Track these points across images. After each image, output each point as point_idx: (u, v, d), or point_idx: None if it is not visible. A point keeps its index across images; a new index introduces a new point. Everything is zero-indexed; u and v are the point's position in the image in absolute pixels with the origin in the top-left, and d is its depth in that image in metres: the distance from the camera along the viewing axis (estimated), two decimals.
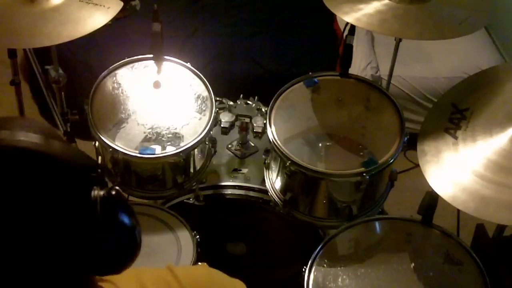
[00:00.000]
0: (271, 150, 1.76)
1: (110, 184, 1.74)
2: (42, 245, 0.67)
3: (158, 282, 0.86)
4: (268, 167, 1.81)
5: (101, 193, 0.71)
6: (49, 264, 0.68)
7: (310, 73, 1.85)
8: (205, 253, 1.70)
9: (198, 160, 1.80)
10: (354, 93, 1.82)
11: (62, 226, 0.68)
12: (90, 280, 0.76)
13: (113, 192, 0.73)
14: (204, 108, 1.77)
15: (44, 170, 0.67)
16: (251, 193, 1.87)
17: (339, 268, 1.58)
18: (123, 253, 0.74)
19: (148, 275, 0.87)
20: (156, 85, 1.83)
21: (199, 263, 1.64)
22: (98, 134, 1.69)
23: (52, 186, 0.67)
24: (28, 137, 0.68)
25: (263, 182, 1.83)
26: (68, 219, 0.68)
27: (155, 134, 1.72)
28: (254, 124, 1.97)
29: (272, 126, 1.72)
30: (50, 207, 0.67)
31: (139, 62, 1.87)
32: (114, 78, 1.82)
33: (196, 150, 1.74)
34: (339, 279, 1.55)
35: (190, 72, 1.85)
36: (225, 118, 1.97)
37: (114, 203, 0.72)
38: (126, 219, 0.73)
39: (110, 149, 1.67)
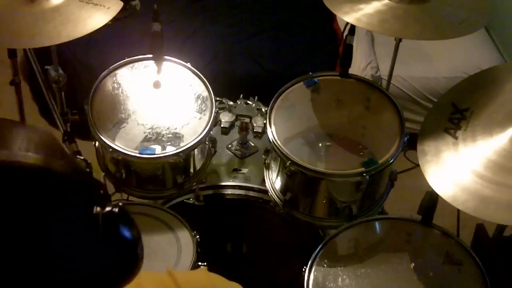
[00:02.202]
0: (271, 150, 1.75)
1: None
2: (43, 262, 0.66)
3: (158, 286, 0.86)
4: (268, 167, 1.81)
5: (104, 210, 0.71)
6: (50, 280, 0.68)
7: (310, 73, 1.85)
8: (205, 253, 1.70)
9: (198, 160, 1.80)
10: (354, 93, 1.82)
11: (63, 244, 0.67)
12: None
13: (116, 210, 0.72)
14: (204, 108, 1.77)
15: (44, 191, 0.66)
16: (251, 193, 1.87)
17: (339, 268, 1.58)
18: (124, 270, 0.74)
19: (148, 280, 0.86)
20: (156, 85, 1.83)
21: (199, 264, 1.65)
22: (98, 134, 1.69)
23: (53, 206, 0.67)
24: (27, 158, 0.67)
25: (263, 182, 1.83)
26: (69, 237, 0.68)
27: (155, 134, 1.72)
28: (254, 124, 1.97)
29: (272, 126, 1.72)
30: (51, 226, 0.66)
31: (139, 62, 1.86)
32: (114, 78, 1.82)
33: (196, 150, 1.74)
34: (339, 279, 1.55)
35: (190, 72, 1.85)
36: (225, 118, 1.97)
37: (117, 220, 0.72)
38: (128, 236, 0.73)
39: (110, 149, 1.67)
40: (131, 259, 0.74)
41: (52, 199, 0.67)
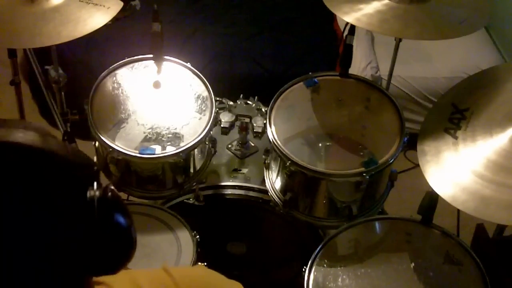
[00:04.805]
0: (271, 150, 1.75)
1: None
2: (38, 245, 0.66)
3: (153, 283, 0.86)
4: (268, 167, 1.81)
5: (97, 193, 0.71)
6: (44, 264, 0.68)
7: (310, 73, 1.85)
8: (205, 253, 1.70)
9: (198, 160, 1.80)
10: (354, 93, 1.82)
11: (58, 225, 0.67)
12: (86, 282, 0.75)
13: (109, 192, 0.72)
14: (204, 108, 1.77)
15: (41, 166, 0.67)
16: (251, 193, 1.87)
17: (339, 268, 1.58)
18: (119, 253, 0.74)
19: (144, 276, 0.86)
20: (156, 85, 1.84)
21: (199, 264, 1.65)
22: (98, 134, 1.69)
23: (49, 183, 0.67)
24: (25, 134, 0.68)
25: (263, 182, 1.83)
26: (64, 218, 0.68)
27: (155, 134, 1.72)
28: (254, 124, 1.97)
29: (272, 126, 1.72)
30: (47, 204, 0.67)
31: (139, 62, 1.87)
32: (114, 78, 1.82)
33: (196, 150, 1.74)
34: (339, 279, 1.55)
35: (190, 72, 1.85)
36: (225, 118, 1.97)
37: (110, 203, 0.72)
38: (121, 219, 0.73)
39: (110, 149, 1.67)
40: (126, 243, 0.74)
41: (50, 174, 0.67)
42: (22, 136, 0.67)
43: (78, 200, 0.69)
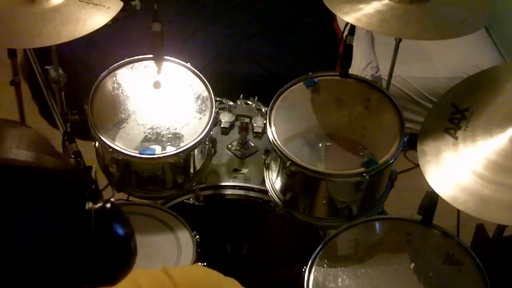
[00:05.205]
0: (271, 150, 1.75)
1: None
2: (36, 259, 0.66)
3: (153, 283, 0.86)
4: (268, 167, 1.81)
5: (96, 206, 0.71)
6: (44, 276, 0.68)
7: (310, 73, 1.85)
8: (205, 253, 1.70)
9: (198, 160, 1.80)
10: (354, 93, 1.82)
11: (57, 240, 0.67)
12: None
13: (108, 205, 0.72)
14: (204, 108, 1.77)
15: (36, 187, 0.66)
16: (251, 193, 1.87)
17: (339, 268, 1.58)
18: (118, 265, 0.74)
19: (144, 277, 0.86)
20: (156, 85, 1.83)
21: (198, 263, 1.65)
22: (98, 134, 1.69)
23: (45, 204, 0.66)
24: (19, 155, 0.67)
25: (263, 182, 1.83)
26: (62, 234, 0.68)
27: (155, 134, 1.72)
28: (254, 124, 1.97)
29: (272, 126, 1.72)
30: (44, 223, 0.66)
31: (139, 62, 1.87)
32: (114, 78, 1.82)
33: (196, 150, 1.74)
34: (339, 279, 1.55)
35: (190, 72, 1.85)
36: (225, 118, 1.97)
37: (109, 216, 0.72)
38: (121, 232, 0.73)
39: (110, 149, 1.67)
40: (124, 254, 0.74)
41: (44, 195, 0.67)
42: (15, 158, 0.66)
43: (75, 215, 0.69)
